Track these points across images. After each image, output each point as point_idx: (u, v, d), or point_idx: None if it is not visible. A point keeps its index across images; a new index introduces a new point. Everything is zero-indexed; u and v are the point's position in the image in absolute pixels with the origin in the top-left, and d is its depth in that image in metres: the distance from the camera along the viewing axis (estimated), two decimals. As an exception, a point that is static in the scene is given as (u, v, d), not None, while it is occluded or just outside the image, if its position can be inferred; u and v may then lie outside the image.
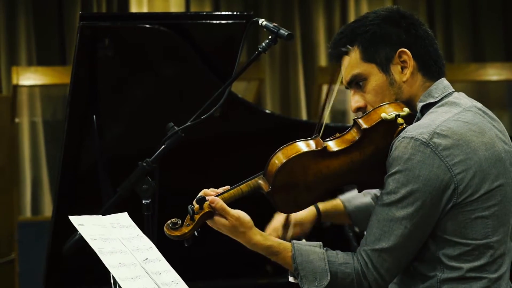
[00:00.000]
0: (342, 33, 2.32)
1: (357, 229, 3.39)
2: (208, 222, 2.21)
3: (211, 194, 2.23)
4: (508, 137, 2.27)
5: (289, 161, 2.19)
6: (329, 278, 2.17)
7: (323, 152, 2.21)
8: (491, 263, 2.17)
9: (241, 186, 2.24)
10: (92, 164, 3.43)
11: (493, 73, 7.21)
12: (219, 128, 3.27)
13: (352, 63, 2.29)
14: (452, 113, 2.20)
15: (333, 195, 2.63)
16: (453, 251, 2.15)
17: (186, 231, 2.18)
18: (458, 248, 2.15)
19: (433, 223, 2.15)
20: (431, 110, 2.23)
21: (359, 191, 2.36)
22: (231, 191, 2.24)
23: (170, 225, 2.20)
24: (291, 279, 2.26)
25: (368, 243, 2.17)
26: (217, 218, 2.19)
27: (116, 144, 3.45)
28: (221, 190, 2.25)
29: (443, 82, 2.29)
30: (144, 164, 2.44)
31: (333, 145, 2.23)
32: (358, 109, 2.31)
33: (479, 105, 2.28)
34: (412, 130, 2.15)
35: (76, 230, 2.14)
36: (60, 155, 3.40)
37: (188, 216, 2.19)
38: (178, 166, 3.16)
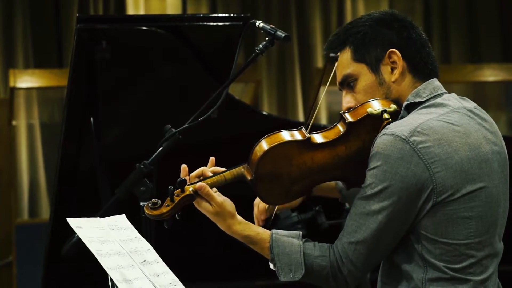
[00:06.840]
0: (336, 34, 2.36)
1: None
2: (195, 203, 2.26)
3: (198, 176, 2.29)
4: (501, 138, 2.27)
5: (271, 149, 2.21)
6: (303, 271, 2.23)
7: (307, 143, 2.22)
8: (475, 264, 2.17)
9: (224, 174, 2.28)
10: (89, 166, 3.43)
11: (490, 74, 7.22)
12: (217, 130, 3.27)
13: (344, 63, 2.33)
14: (437, 114, 2.21)
15: None
16: (434, 250, 2.16)
17: (165, 211, 2.21)
18: (438, 247, 2.15)
19: (409, 220, 2.16)
20: (415, 111, 2.24)
21: (347, 189, 2.37)
22: (214, 178, 2.27)
23: (150, 205, 2.23)
24: (271, 265, 2.28)
25: (345, 235, 2.21)
26: (202, 202, 2.26)
27: (114, 146, 3.45)
28: (207, 172, 2.29)
29: (434, 83, 2.29)
30: (142, 166, 2.44)
31: (318, 137, 2.25)
32: (349, 110, 2.32)
33: (471, 105, 2.28)
34: (393, 127, 2.17)
35: (74, 233, 2.14)
36: (57, 158, 3.40)
37: (168, 198, 2.22)
38: (176, 168, 3.16)
